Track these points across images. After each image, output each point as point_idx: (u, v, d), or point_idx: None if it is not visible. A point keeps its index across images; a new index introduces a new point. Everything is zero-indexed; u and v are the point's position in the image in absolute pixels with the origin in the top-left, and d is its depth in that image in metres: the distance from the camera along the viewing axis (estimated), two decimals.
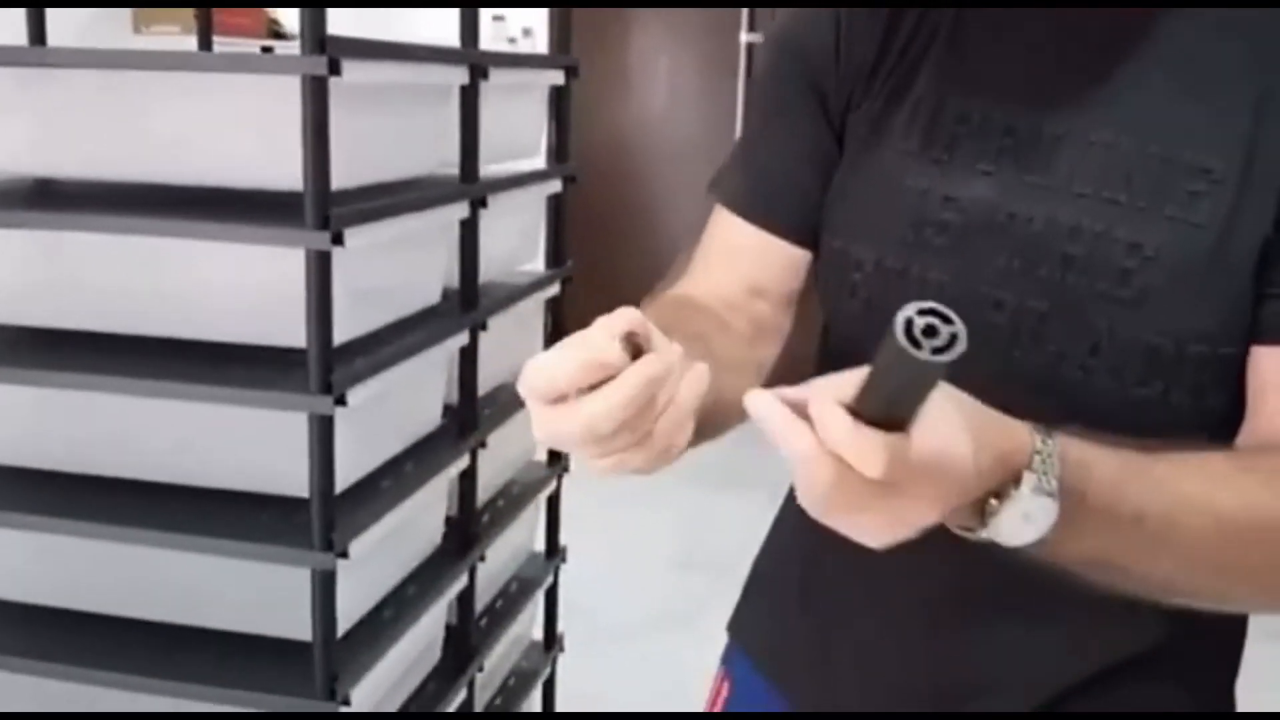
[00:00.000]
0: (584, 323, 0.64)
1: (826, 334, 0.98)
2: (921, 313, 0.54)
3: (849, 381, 0.60)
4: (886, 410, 0.59)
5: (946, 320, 0.54)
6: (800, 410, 0.60)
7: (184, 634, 1.57)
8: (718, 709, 1.13)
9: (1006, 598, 0.88)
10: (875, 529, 0.62)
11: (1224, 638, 0.94)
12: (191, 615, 1.58)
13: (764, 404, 0.61)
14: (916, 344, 0.53)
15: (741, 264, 0.97)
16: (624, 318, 0.63)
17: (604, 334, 0.62)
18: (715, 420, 0.74)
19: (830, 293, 0.94)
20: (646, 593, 3.22)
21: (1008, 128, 0.86)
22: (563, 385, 0.61)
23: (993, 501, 0.67)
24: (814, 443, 0.59)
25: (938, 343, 0.53)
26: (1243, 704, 0.97)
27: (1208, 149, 0.81)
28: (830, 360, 0.99)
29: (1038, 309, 0.84)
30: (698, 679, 2.80)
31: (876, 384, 0.59)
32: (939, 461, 0.61)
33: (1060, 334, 0.83)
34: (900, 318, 0.54)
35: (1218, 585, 0.76)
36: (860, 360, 0.97)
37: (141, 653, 1.53)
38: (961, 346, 0.53)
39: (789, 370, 1.13)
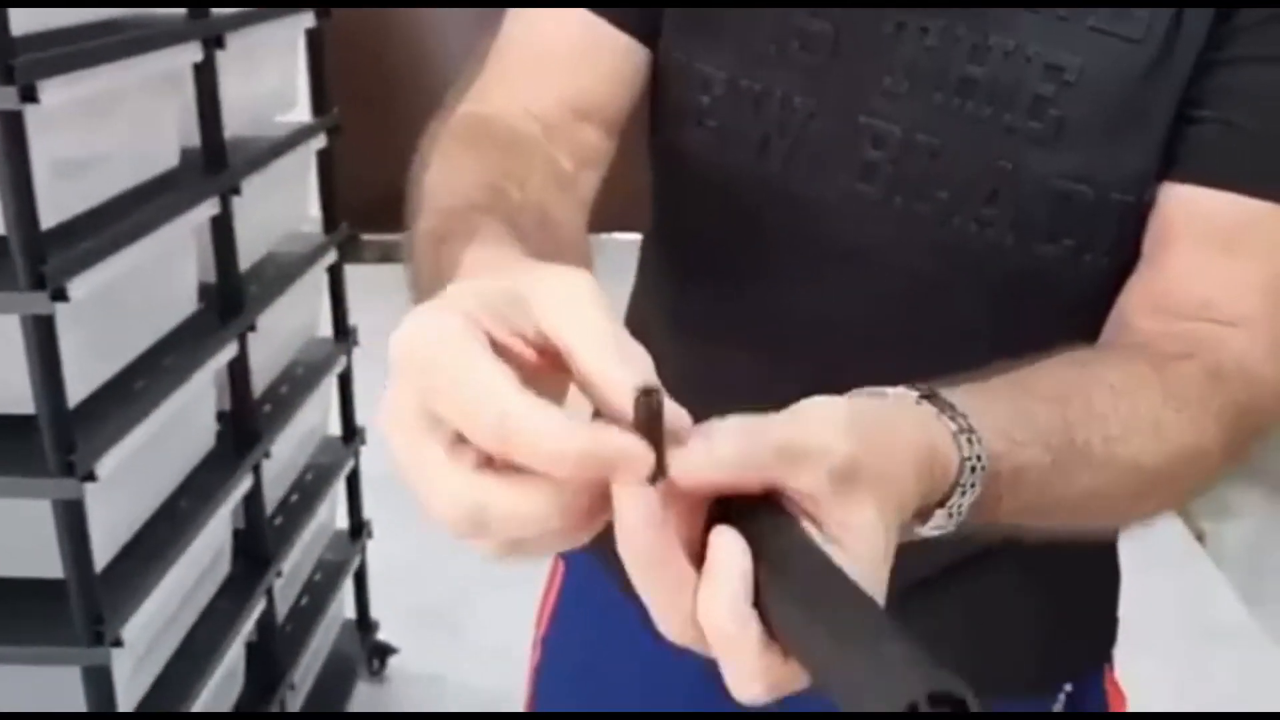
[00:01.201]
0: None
1: (662, 167, 0.79)
2: (935, 700, 0.35)
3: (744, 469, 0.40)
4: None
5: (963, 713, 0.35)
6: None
7: None
8: (554, 596, 0.99)
9: None
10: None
11: None
12: None
13: (643, 526, 0.39)
14: None
15: (560, 72, 0.75)
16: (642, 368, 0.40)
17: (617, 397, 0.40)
18: None
19: (670, 118, 0.74)
20: None
21: None
22: (553, 469, 0.39)
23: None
24: (687, 618, 0.40)
25: None
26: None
27: None
28: (667, 202, 0.82)
29: (927, 145, 0.67)
30: None
31: (808, 637, 0.39)
32: None
33: (953, 177, 0.67)
34: (901, 702, 0.35)
35: (1124, 522, 0.67)
36: (706, 208, 0.79)
37: None
38: None
39: (613, 208, 0.94)
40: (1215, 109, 0.64)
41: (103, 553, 1.28)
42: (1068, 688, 0.79)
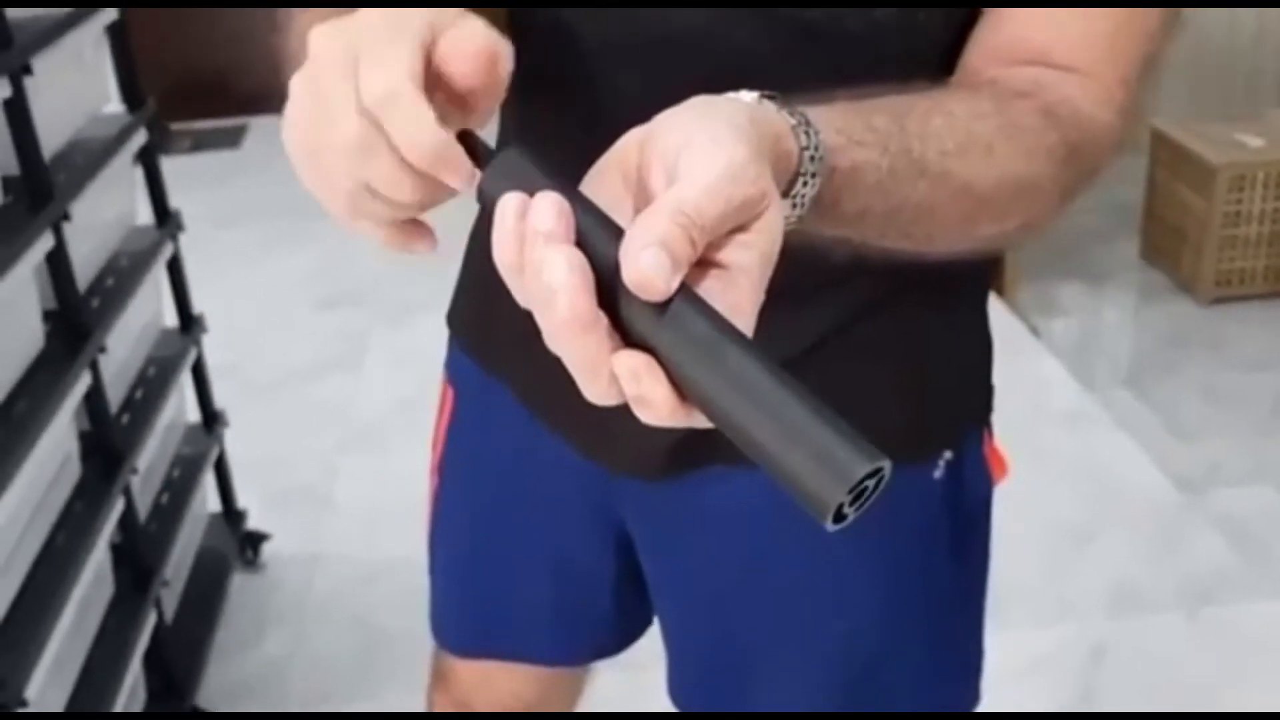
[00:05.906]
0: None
1: None
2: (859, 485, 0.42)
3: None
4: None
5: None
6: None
7: None
8: (445, 421, 0.99)
9: None
10: None
11: (970, 263, 0.83)
12: None
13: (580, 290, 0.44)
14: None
15: None
16: None
17: None
18: None
19: None
20: (301, 340, 2.97)
21: None
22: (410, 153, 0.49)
23: None
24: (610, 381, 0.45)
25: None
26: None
27: None
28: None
29: None
30: (376, 413, 2.63)
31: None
32: None
33: None
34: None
35: (959, 243, 0.66)
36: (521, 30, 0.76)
37: None
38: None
39: None
40: None
41: None
42: (947, 455, 0.81)
